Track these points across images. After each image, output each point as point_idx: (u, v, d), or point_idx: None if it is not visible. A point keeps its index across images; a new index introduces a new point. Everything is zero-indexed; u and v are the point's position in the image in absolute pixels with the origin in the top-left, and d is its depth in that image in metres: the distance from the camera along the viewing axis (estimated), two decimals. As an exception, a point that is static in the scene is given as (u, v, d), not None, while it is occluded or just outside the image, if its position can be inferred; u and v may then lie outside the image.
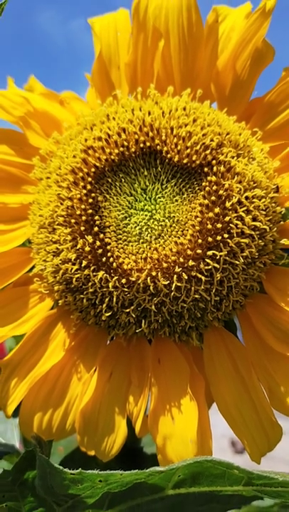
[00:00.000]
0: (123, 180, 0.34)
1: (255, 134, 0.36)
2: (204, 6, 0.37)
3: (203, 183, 0.33)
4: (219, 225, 0.32)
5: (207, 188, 0.32)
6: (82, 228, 0.33)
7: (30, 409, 0.35)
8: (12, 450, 0.42)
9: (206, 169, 0.33)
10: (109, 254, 0.33)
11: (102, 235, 0.33)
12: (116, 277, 0.32)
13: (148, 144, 0.34)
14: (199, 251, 0.32)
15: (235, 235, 0.32)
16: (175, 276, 0.32)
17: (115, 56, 0.39)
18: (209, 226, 0.32)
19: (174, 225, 0.33)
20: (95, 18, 0.41)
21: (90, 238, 0.33)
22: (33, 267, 0.38)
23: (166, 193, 0.34)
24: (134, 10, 0.38)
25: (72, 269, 0.33)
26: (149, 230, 0.33)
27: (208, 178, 0.33)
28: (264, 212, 0.33)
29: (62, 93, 0.43)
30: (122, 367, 0.35)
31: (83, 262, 0.33)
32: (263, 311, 0.35)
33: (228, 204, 0.32)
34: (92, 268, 0.33)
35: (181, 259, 0.32)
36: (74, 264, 0.33)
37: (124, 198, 0.34)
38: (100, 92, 0.39)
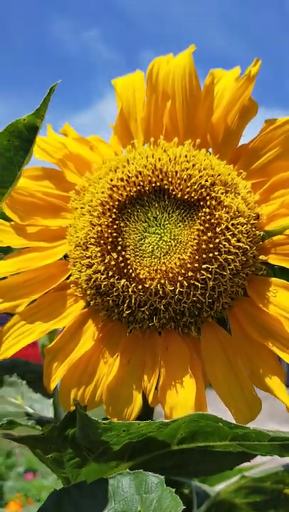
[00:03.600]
0: (139, 210, 0.45)
1: (240, 174, 0.46)
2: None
3: (200, 214, 0.43)
4: (211, 245, 0.42)
5: (202, 217, 0.43)
6: (109, 247, 0.44)
7: (67, 386, 0.45)
8: (50, 420, 0.52)
9: (201, 203, 0.43)
10: (129, 266, 0.43)
11: (123, 252, 0.44)
12: (134, 284, 0.43)
13: (158, 183, 0.44)
14: (196, 265, 0.42)
15: (223, 252, 0.42)
16: (178, 283, 0.42)
17: (133, 111, 0.50)
18: (204, 246, 0.42)
19: (177, 244, 0.43)
20: (117, 79, 0.52)
21: (114, 255, 0.44)
22: (70, 276, 0.48)
23: (172, 220, 0.44)
24: (148, 75, 0.49)
25: (101, 277, 0.44)
26: (159, 248, 0.44)
27: (203, 209, 0.43)
28: (246, 235, 0.43)
29: (89, 137, 0.53)
30: (138, 353, 0.45)
31: (110, 272, 0.44)
32: (246, 310, 0.45)
33: (218, 229, 0.43)
34: (116, 277, 0.43)
35: (183, 271, 0.42)
36: (102, 274, 0.44)
37: (140, 224, 0.45)
38: (121, 140, 0.50)
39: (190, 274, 0.42)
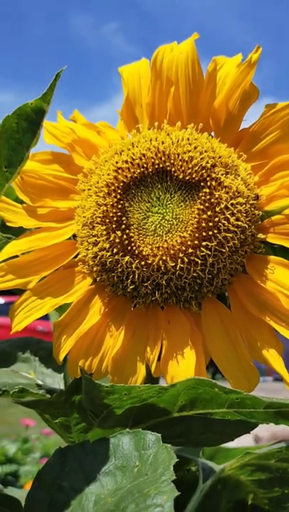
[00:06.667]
0: (143, 191, 0.47)
1: (240, 156, 0.48)
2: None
3: (200, 194, 0.45)
4: (211, 224, 0.44)
5: (203, 197, 0.45)
6: (114, 226, 0.46)
7: (75, 357, 0.48)
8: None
9: (202, 183, 0.45)
10: (132, 244, 0.46)
11: (128, 231, 0.46)
12: (137, 260, 0.45)
13: (161, 165, 0.46)
14: (196, 242, 0.44)
15: (222, 230, 0.44)
16: (179, 260, 0.45)
17: (138, 97, 0.52)
18: (204, 224, 0.44)
19: (179, 223, 0.46)
20: (124, 67, 0.54)
21: (119, 233, 0.46)
22: (78, 254, 0.51)
23: (173, 200, 0.46)
24: (153, 63, 0.51)
25: (106, 255, 0.46)
26: (162, 227, 0.46)
27: (204, 190, 0.45)
28: (245, 215, 0.45)
29: (97, 122, 0.56)
30: (142, 326, 0.47)
31: (114, 249, 0.46)
32: (245, 286, 0.47)
33: (217, 209, 0.45)
34: (120, 254, 0.46)
35: (184, 248, 0.44)
36: (108, 251, 0.46)
37: (144, 204, 0.47)
38: (127, 124, 0.52)
39: (190, 250, 0.44)
